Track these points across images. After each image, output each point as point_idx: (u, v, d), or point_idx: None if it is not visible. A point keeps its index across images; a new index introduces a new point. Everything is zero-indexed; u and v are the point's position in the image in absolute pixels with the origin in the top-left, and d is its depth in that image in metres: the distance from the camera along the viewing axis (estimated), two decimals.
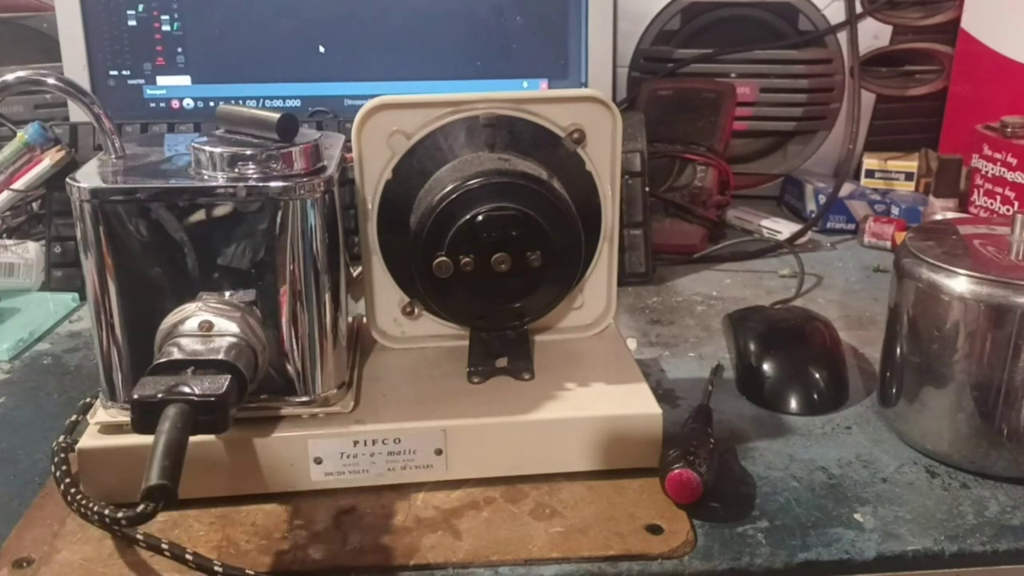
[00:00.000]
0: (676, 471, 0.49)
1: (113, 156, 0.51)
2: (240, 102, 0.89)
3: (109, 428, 0.49)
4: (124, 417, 0.48)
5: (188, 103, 0.90)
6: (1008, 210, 0.89)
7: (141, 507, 0.40)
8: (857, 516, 0.49)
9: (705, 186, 0.94)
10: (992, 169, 0.90)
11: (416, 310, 0.58)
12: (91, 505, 0.46)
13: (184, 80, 0.89)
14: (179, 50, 0.88)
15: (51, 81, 0.51)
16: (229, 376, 0.44)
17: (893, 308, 0.56)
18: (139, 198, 0.46)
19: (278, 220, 0.47)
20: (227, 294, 0.48)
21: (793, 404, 0.60)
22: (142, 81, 0.89)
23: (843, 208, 0.98)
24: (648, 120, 0.86)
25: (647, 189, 0.84)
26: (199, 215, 0.47)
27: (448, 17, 0.89)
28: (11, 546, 0.46)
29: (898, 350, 0.55)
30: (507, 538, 0.47)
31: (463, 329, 0.58)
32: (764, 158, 1.09)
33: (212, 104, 0.89)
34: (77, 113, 0.87)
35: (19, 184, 0.78)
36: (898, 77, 1.07)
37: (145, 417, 0.42)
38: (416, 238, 0.51)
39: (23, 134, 0.78)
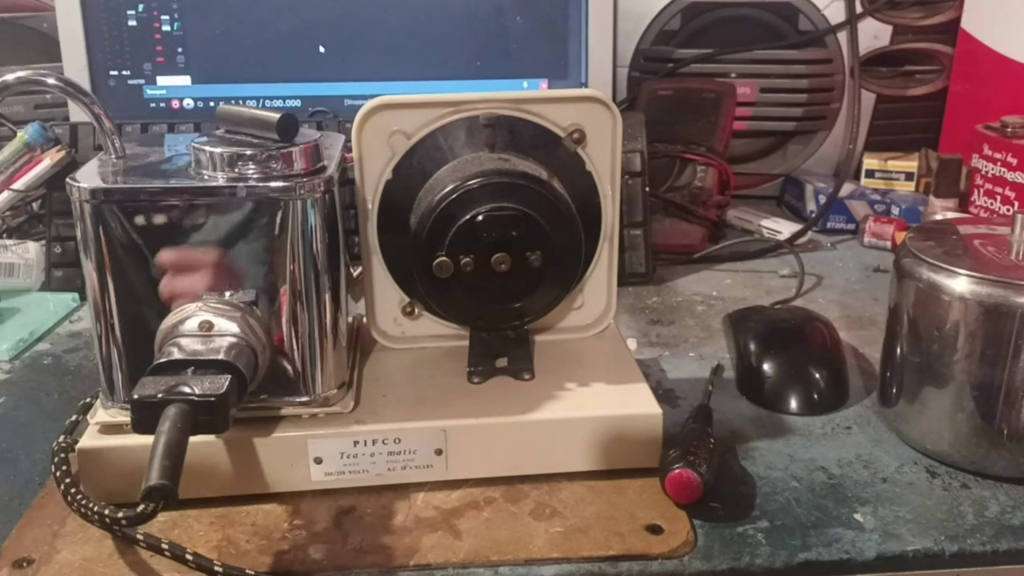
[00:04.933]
0: (676, 471, 0.49)
1: (113, 156, 0.51)
2: (240, 102, 0.89)
3: (109, 428, 0.49)
4: (124, 417, 0.48)
5: (188, 103, 0.90)
6: (1008, 210, 0.89)
7: (141, 507, 0.40)
8: (857, 516, 0.49)
9: (705, 186, 0.94)
10: (992, 169, 0.90)
11: (416, 310, 0.58)
12: (91, 505, 0.46)
13: (184, 80, 0.89)
14: (179, 50, 0.88)
15: (51, 81, 0.51)
16: (229, 376, 0.44)
17: (893, 308, 0.56)
18: (139, 198, 0.46)
19: (278, 220, 0.47)
20: (227, 294, 0.48)
21: (793, 404, 0.60)
22: (142, 81, 0.89)
23: (843, 208, 0.98)
24: (648, 120, 0.86)
25: (647, 189, 0.84)
26: (199, 215, 0.47)
27: (448, 17, 0.89)
28: (11, 546, 0.47)
29: (898, 350, 0.55)
30: (507, 538, 0.47)
31: (463, 329, 0.58)
32: (764, 158, 1.09)
33: (212, 104, 0.89)
34: (77, 113, 0.87)
35: (19, 184, 0.78)
36: (898, 77, 1.07)
37: (145, 417, 0.42)
38: (416, 238, 0.51)
39: (23, 134, 0.78)
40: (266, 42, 0.89)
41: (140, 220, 0.47)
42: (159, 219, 0.47)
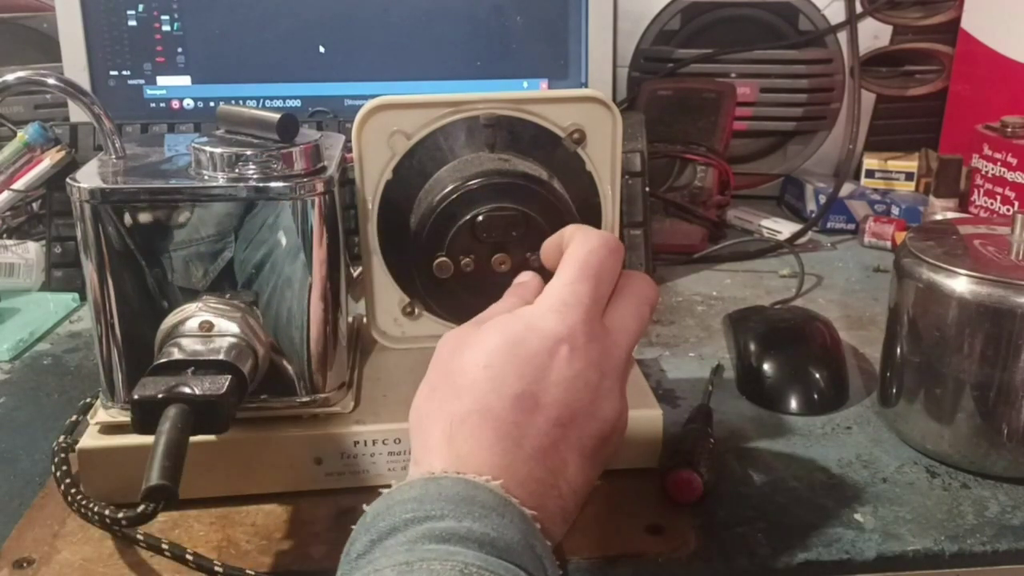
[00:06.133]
0: (676, 471, 0.49)
1: (113, 156, 0.51)
2: (240, 102, 0.89)
3: (109, 428, 0.49)
4: (124, 417, 0.48)
5: (188, 103, 0.90)
6: (1008, 210, 0.89)
7: (141, 507, 0.40)
8: (857, 516, 0.49)
9: (705, 186, 0.94)
10: (992, 169, 0.90)
11: (416, 310, 0.58)
12: (91, 505, 0.46)
13: (184, 80, 0.89)
14: (179, 50, 0.88)
15: (51, 81, 0.51)
16: (229, 376, 0.44)
17: (893, 308, 0.56)
18: (139, 198, 0.46)
19: (278, 220, 0.47)
20: (227, 294, 0.48)
21: (793, 404, 0.60)
22: (142, 81, 0.89)
23: (843, 208, 0.98)
24: (648, 120, 0.86)
25: (647, 189, 0.84)
26: (199, 215, 0.47)
27: (448, 17, 0.89)
28: (11, 546, 0.47)
29: (898, 350, 0.55)
30: None
31: None
32: (764, 158, 1.08)
33: (212, 104, 0.89)
34: (77, 113, 0.87)
35: (19, 184, 0.78)
36: (898, 77, 1.07)
37: (145, 417, 0.42)
38: (416, 238, 0.51)
39: (23, 134, 0.78)
40: (266, 42, 0.89)
41: (140, 220, 0.47)
42: (159, 219, 0.47)
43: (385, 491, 0.37)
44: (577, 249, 0.42)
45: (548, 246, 0.46)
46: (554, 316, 0.40)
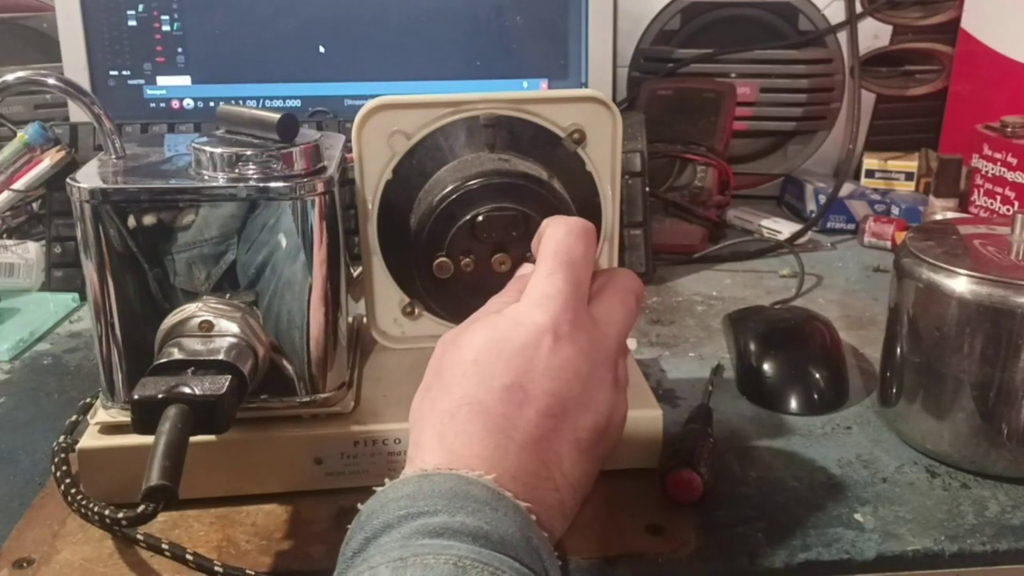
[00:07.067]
0: (676, 471, 0.49)
1: (113, 156, 0.51)
2: (240, 102, 0.89)
3: (109, 428, 0.49)
4: (124, 417, 0.48)
5: (188, 103, 0.90)
6: (1008, 210, 0.89)
7: (142, 507, 0.40)
8: (857, 516, 0.49)
9: (705, 186, 0.94)
10: (992, 169, 0.90)
11: (416, 310, 0.58)
12: (91, 505, 0.46)
13: (184, 80, 0.89)
14: (179, 50, 0.88)
15: (51, 81, 0.51)
16: (229, 376, 0.44)
17: (893, 308, 0.56)
18: (139, 198, 0.46)
19: (278, 220, 0.47)
20: (227, 294, 0.48)
21: (793, 404, 0.60)
22: (142, 81, 0.89)
23: (843, 208, 0.98)
24: (648, 120, 0.86)
25: (647, 189, 0.84)
26: (199, 215, 0.47)
27: (448, 17, 0.89)
28: (11, 546, 0.47)
29: (898, 350, 0.55)
30: None
31: None
32: (764, 158, 1.08)
33: (212, 104, 0.89)
34: (77, 113, 0.87)
35: (19, 184, 0.78)
36: (898, 77, 1.07)
37: (145, 417, 0.42)
38: (416, 238, 0.51)
39: (23, 134, 0.78)
40: (266, 42, 0.89)
41: (140, 220, 0.47)
42: (159, 219, 0.47)
43: (379, 489, 0.37)
44: (547, 242, 0.43)
45: (535, 245, 0.46)
46: (537, 310, 0.40)
